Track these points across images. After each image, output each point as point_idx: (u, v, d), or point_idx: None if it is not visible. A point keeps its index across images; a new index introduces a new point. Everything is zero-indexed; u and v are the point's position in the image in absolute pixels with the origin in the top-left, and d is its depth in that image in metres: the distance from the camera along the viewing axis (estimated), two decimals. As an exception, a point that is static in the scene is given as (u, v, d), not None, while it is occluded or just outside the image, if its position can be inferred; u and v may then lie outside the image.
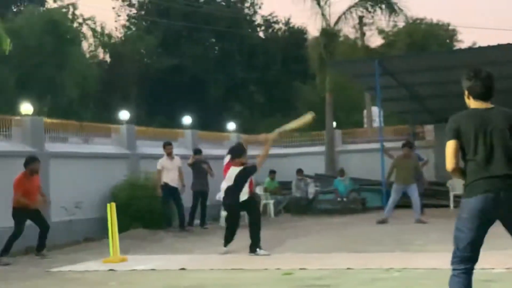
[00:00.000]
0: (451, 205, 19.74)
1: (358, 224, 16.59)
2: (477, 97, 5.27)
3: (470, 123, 5.16)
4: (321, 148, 25.28)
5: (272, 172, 21.83)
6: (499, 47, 17.11)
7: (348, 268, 9.14)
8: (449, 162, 5.21)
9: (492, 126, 5.11)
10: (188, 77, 37.74)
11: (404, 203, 16.82)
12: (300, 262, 9.95)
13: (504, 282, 7.46)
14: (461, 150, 5.21)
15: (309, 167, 23.06)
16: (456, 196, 19.84)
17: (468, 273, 5.14)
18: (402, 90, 20.98)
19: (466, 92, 5.34)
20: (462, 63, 18.19)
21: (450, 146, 5.20)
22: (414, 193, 16.08)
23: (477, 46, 35.20)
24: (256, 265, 10.03)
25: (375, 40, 46.83)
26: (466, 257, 5.13)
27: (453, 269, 5.19)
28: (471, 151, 5.14)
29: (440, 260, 9.04)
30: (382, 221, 16.08)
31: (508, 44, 16.80)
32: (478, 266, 5.29)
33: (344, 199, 20.86)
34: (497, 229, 5.36)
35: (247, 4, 44.91)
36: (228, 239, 11.71)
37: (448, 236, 12.06)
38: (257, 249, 11.17)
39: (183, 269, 9.96)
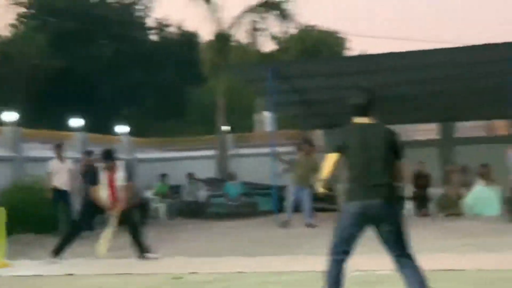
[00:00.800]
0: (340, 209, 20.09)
1: (249, 228, 16.66)
2: (358, 114, 5.93)
3: (355, 137, 5.81)
4: (213, 152, 25.30)
5: (163, 176, 21.72)
6: (390, 55, 17.56)
7: (238, 272, 9.19)
8: (325, 172, 5.92)
9: (373, 141, 5.76)
10: (79, 79, 36.96)
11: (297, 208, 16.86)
12: (191, 266, 9.92)
13: (388, 283, 7.61)
14: (346, 160, 5.83)
15: (201, 170, 23.06)
16: (344, 200, 20.24)
17: (340, 263, 5.78)
18: (294, 95, 21.19)
19: (351, 109, 5.99)
20: (353, 70, 18.61)
21: (331, 158, 5.86)
22: (305, 198, 16.19)
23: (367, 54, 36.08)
24: (146, 269, 9.94)
25: (268, 46, 47.21)
26: (340, 251, 5.77)
27: (328, 260, 5.82)
28: (353, 163, 5.77)
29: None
30: (285, 224, 15.99)
31: (400, 52, 17.23)
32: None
33: (235, 203, 20.93)
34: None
35: (140, 7, 44.41)
36: (65, 247, 11.26)
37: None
38: (146, 253, 11.05)
39: (70, 274, 9.76)
